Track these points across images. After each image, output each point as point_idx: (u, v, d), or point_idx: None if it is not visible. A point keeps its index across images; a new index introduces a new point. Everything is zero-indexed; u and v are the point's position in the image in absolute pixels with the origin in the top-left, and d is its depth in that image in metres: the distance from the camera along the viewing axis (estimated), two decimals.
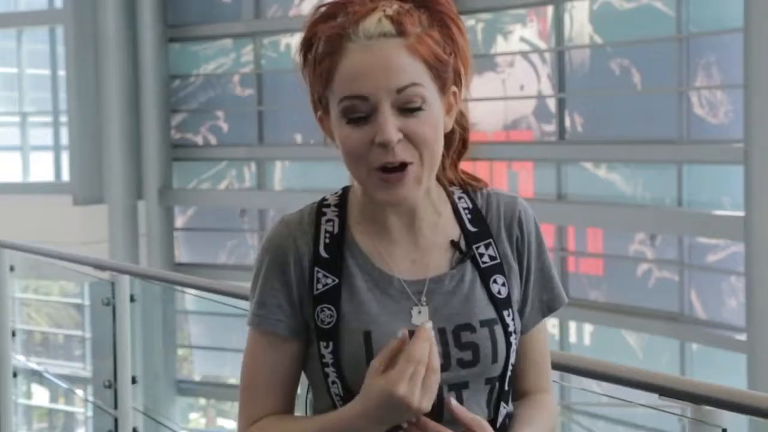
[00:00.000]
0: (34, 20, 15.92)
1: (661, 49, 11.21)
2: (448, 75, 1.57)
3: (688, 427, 2.14)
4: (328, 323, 1.57)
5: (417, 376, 1.47)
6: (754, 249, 9.78)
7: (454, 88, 1.59)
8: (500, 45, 12.90)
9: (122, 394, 4.15)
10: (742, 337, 10.10)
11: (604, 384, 2.42)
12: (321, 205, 1.64)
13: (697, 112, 10.94)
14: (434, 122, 1.55)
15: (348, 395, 1.56)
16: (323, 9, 1.57)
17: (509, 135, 12.82)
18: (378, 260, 1.60)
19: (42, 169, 15.79)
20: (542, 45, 12.52)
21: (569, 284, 11.87)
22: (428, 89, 1.54)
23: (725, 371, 10.57)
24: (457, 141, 1.65)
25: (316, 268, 1.59)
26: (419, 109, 1.53)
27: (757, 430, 3.96)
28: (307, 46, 1.58)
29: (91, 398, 5.37)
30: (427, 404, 1.49)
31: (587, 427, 11.59)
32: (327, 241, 1.61)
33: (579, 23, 12.11)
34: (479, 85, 11.85)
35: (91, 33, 14.98)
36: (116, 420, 4.17)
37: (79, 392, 9.54)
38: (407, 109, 1.52)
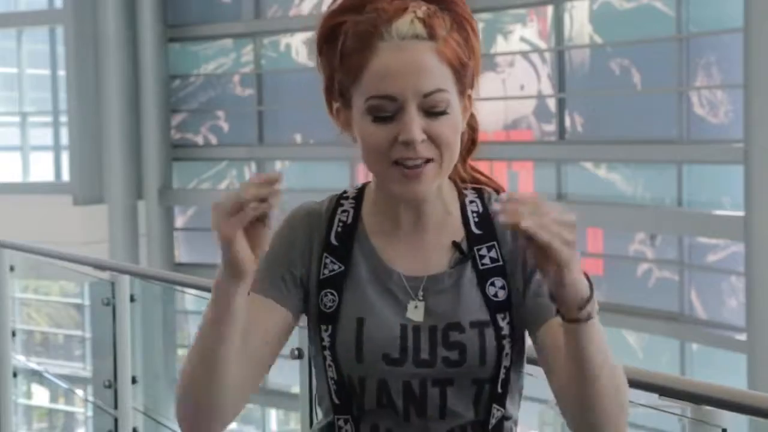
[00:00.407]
0: (34, 20, 15.93)
1: (661, 49, 11.22)
2: (467, 78, 1.61)
3: (688, 427, 2.14)
4: (330, 307, 1.62)
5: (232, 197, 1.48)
6: (754, 249, 9.78)
7: (469, 91, 1.62)
8: (500, 45, 12.90)
9: (122, 394, 4.16)
10: (742, 337, 10.10)
11: None
12: (341, 197, 1.69)
13: (697, 111, 10.94)
14: (455, 125, 1.58)
15: (340, 378, 1.60)
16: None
17: (509, 135, 12.82)
18: (383, 253, 1.64)
19: (42, 169, 15.80)
20: (542, 45, 12.52)
21: None
22: (452, 94, 1.57)
23: (725, 371, 10.56)
24: (468, 140, 1.69)
25: (325, 254, 1.64)
26: (444, 113, 1.56)
27: (757, 430, 3.96)
28: (329, 34, 1.58)
29: (91, 398, 5.36)
30: (223, 218, 1.49)
31: None
32: (339, 229, 1.65)
33: (579, 23, 12.12)
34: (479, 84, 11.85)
35: (91, 33, 14.98)
36: (116, 420, 4.18)
37: (79, 392, 9.50)
38: (432, 113, 1.55)
